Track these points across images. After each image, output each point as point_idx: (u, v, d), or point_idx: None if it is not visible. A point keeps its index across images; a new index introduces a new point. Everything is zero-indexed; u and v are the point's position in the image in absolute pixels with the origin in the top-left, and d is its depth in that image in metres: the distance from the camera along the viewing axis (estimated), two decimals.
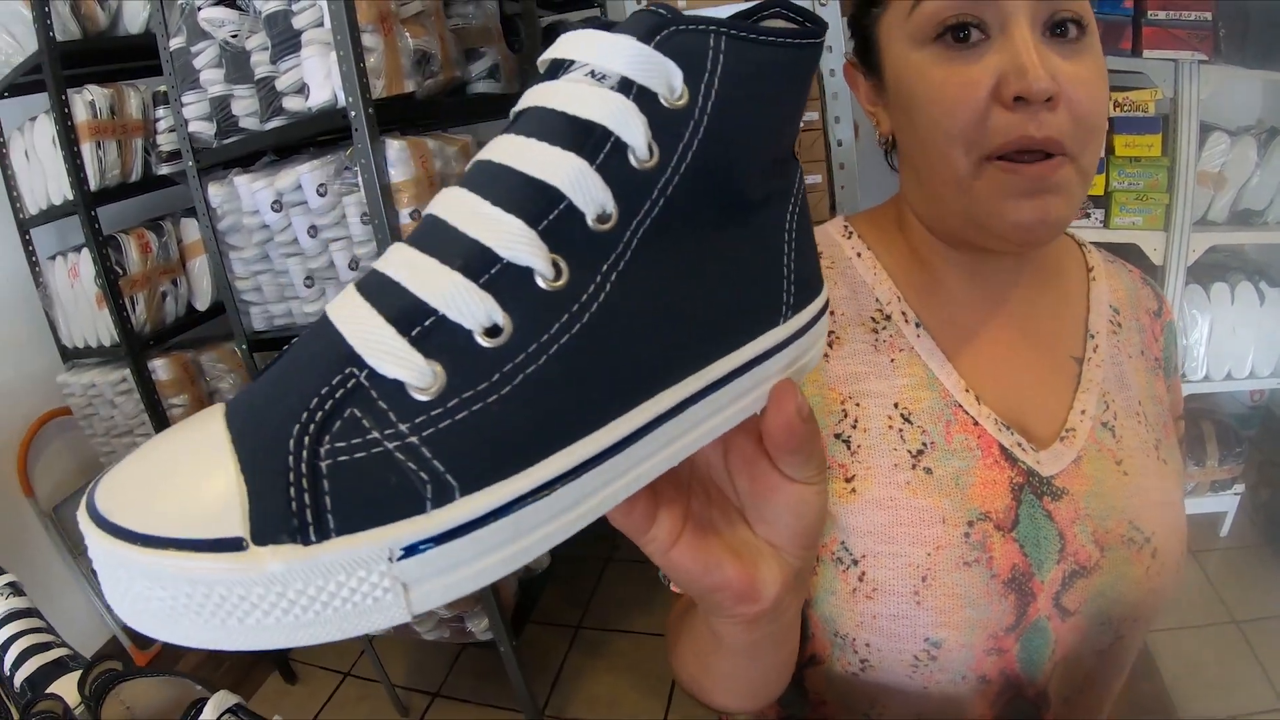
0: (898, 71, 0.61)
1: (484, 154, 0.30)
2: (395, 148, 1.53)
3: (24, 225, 2.23)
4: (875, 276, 0.67)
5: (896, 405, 0.62)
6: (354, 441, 0.25)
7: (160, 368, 2.04)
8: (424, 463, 0.25)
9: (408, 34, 1.63)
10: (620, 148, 0.28)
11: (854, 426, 0.62)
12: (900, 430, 0.61)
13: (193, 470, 0.25)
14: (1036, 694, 0.61)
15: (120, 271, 2.02)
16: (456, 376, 0.26)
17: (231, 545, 0.23)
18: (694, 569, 0.34)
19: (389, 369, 0.25)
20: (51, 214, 2.14)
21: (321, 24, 1.52)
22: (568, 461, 0.27)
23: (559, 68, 0.31)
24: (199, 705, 0.64)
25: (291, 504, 0.24)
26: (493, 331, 0.26)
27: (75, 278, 2.11)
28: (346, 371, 0.26)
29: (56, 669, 0.92)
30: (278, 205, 1.63)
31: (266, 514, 0.24)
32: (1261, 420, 2.53)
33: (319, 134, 1.66)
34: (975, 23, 0.55)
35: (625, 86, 0.28)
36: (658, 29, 0.29)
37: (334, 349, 0.26)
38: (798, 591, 0.39)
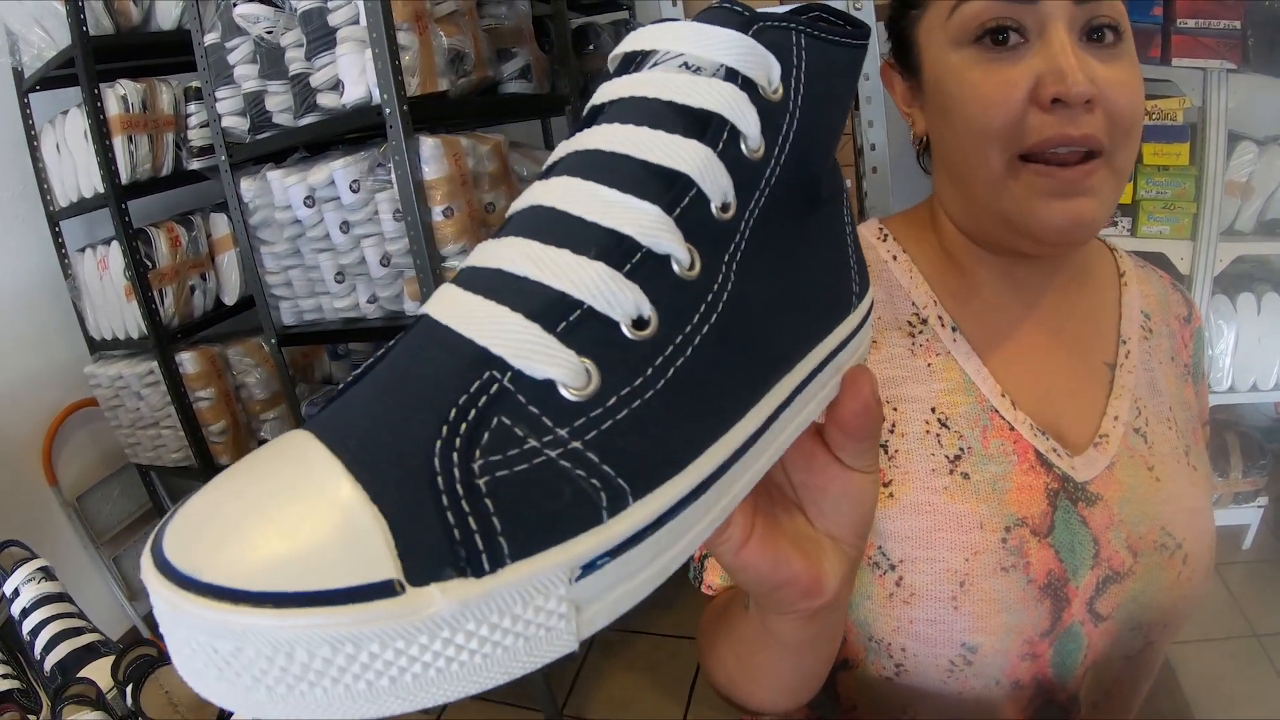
0: (936, 72, 0.61)
1: (583, 144, 0.28)
2: (429, 145, 1.54)
3: (54, 217, 2.26)
4: (911, 280, 0.67)
5: (934, 410, 0.62)
6: (511, 454, 0.22)
7: (187, 360, 2.06)
8: (593, 468, 0.23)
9: (442, 33, 1.65)
10: (735, 137, 0.28)
11: (891, 431, 0.62)
12: (938, 435, 0.62)
13: (302, 507, 0.21)
14: (1067, 699, 0.61)
15: (149, 264, 2.04)
16: (611, 373, 0.24)
17: (381, 591, 0.20)
18: (764, 566, 0.34)
19: (540, 369, 0.23)
20: (82, 206, 2.16)
21: (357, 21, 1.54)
22: (721, 455, 0.26)
23: (631, 62, 0.31)
24: None
25: (453, 532, 0.21)
26: (640, 324, 0.25)
27: (104, 270, 2.13)
28: (486, 376, 0.23)
29: (88, 654, 0.93)
30: (310, 200, 1.64)
31: (422, 548, 0.20)
32: None
33: (351, 131, 1.67)
34: (1014, 26, 0.56)
35: (731, 77, 0.28)
36: (750, 23, 0.29)
37: (460, 353, 0.24)
38: (851, 582, 0.39)
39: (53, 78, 2.14)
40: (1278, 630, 2.12)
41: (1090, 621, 0.60)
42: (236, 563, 0.20)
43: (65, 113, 2.13)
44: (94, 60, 1.97)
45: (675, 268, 0.26)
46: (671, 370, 0.25)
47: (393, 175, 1.56)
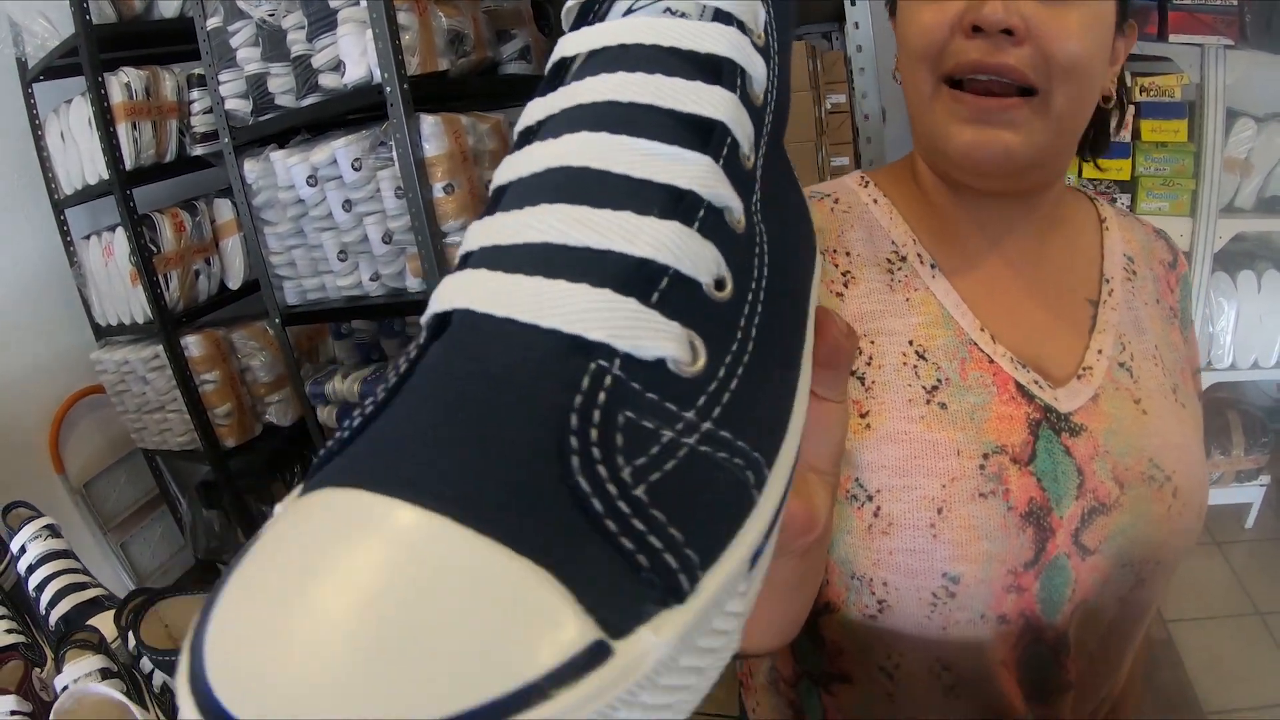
0: (900, 13, 0.65)
1: (584, 97, 0.25)
2: (429, 123, 1.55)
3: (59, 206, 2.28)
4: (891, 220, 0.68)
5: (911, 342, 0.63)
6: (654, 452, 0.19)
7: (192, 344, 2.07)
8: (732, 447, 0.21)
9: (441, 13, 1.66)
10: (746, 81, 0.26)
11: (869, 364, 0.63)
12: (915, 367, 0.62)
13: (423, 590, 0.15)
14: (1056, 637, 0.61)
15: (154, 249, 2.05)
16: (712, 341, 0.22)
17: (591, 659, 0.15)
18: None
19: (651, 348, 0.20)
20: (87, 194, 2.18)
21: (357, 2, 1.56)
22: (802, 407, 0.25)
23: (590, 11, 0.28)
24: None
25: (637, 559, 0.17)
26: (720, 284, 0.23)
27: (109, 256, 2.15)
28: (594, 368, 0.19)
29: (92, 607, 0.94)
30: (313, 180, 1.65)
31: (610, 590, 0.17)
32: None
33: (352, 111, 1.69)
34: None
35: (724, 21, 0.26)
36: None
37: (541, 347, 0.20)
38: (832, 513, 0.40)
39: (56, 67, 2.16)
40: None
41: (1077, 554, 0.60)
42: (376, 696, 0.14)
43: (69, 101, 2.15)
44: (97, 49, 1.98)
45: (728, 219, 0.24)
46: (754, 329, 0.23)
47: (394, 153, 1.57)
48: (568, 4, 0.28)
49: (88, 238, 2.24)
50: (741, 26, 0.26)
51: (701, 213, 0.23)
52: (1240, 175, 2.07)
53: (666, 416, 0.20)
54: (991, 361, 0.63)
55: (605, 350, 0.20)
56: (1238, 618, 2.13)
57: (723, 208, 0.23)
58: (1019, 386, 0.62)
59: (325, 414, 1.85)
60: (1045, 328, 0.66)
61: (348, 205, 1.65)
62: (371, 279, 1.71)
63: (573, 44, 0.27)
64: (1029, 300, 0.67)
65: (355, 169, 1.61)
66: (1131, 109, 1.99)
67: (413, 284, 1.67)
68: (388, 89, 1.54)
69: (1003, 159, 0.59)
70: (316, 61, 1.63)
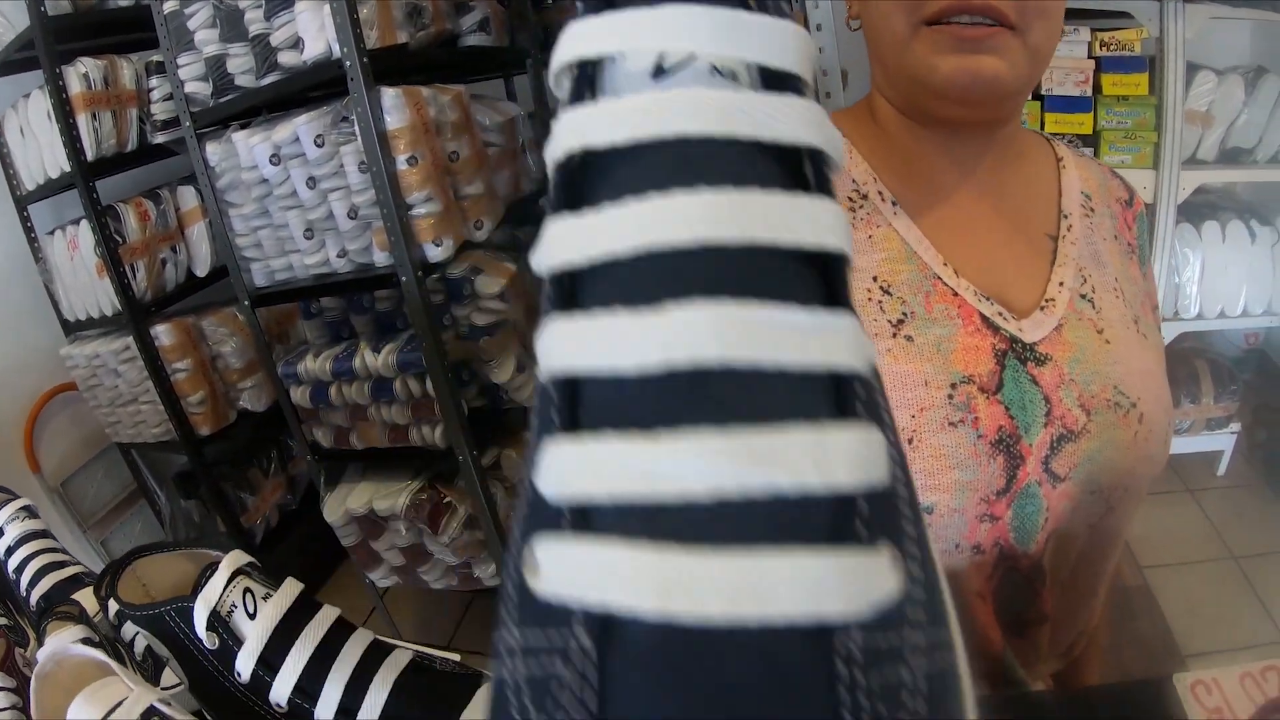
0: None
1: (679, 233, 0.18)
2: (390, 95, 1.54)
3: (21, 202, 2.24)
4: (851, 160, 0.69)
5: (876, 278, 0.64)
6: (912, 705, 0.17)
7: (162, 333, 2.05)
8: (944, 643, 0.19)
9: None
10: (828, 169, 0.21)
11: None
12: (880, 302, 0.63)
13: None
14: (1031, 566, 0.62)
15: (119, 240, 2.03)
16: (898, 542, 0.19)
17: None
18: None
19: (881, 598, 0.17)
20: (49, 188, 2.14)
21: None
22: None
23: (587, 77, 0.21)
24: (213, 567, 0.64)
25: None
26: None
27: (75, 250, 2.12)
28: (843, 651, 0.16)
29: (72, 585, 0.93)
30: (276, 159, 1.64)
31: None
32: (1257, 363, 2.55)
33: (313, 88, 1.67)
34: None
35: (785, 84, 0.20)
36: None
37: (782, 645, 0.16)
38: None
39: (13, 62, 2.13)
40: (1254, 552, 2.16)
41: (1048, 482, 0.61)
42: None
43: (27, 96, 2.11)
44: (54, 40, 1.95)
45: (867, 378, 0.21)
46: (903, 489, 0.21)
47: (356, 128, 1.56)
48: (557, 61, 0.21)
49: (52, 233, 2.21)
50: (801, 88, 0.20)
51: (862, 393, 0.19)
52: (1202, 127, 2.10)
53: (902, 654, 0.17)
54: (955, 295, 0.64)
55: (843, 629, 0.16)
56: (1213, 562, 2.17)
57: (869, 375, 0.19)
58: (984, 318, 0.63)
59: (299, 394, 1.84)
60: (1006, 262, 0.67)
61: (312, 182, 1.64)
62: (339, 255, 1.70)
63: (595, 128, 0.19)
64: (990, 235, 0.68)
65: (318, 145, 1.60)
66: (1092, 63, 2.01)
67: (379, 258, 1.67)
68: (347, 63, 1.52)
69: (992, 84, 0.60)
70: (275, 39, 1.61)
